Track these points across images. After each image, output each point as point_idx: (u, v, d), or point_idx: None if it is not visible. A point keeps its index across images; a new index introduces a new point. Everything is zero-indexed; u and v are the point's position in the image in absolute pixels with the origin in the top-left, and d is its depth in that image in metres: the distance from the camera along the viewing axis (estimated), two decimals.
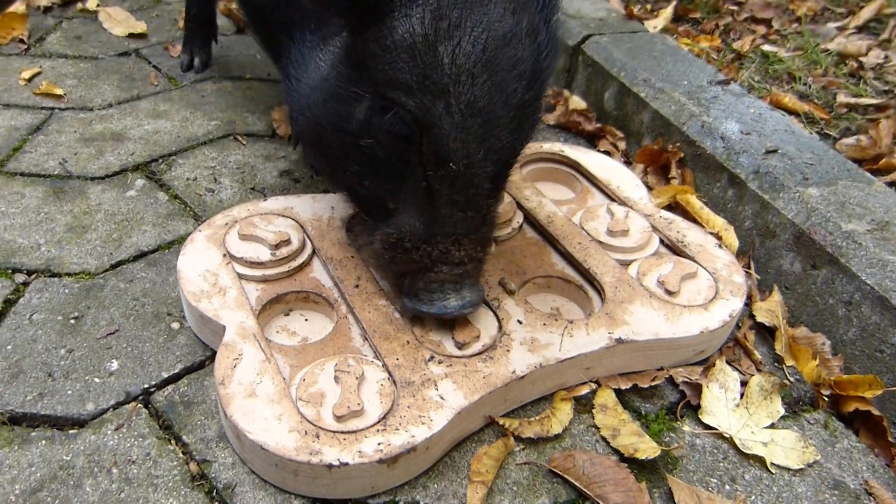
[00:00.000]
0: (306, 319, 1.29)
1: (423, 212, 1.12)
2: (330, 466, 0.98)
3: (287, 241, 1.32)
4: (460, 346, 1.17)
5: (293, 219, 1.40)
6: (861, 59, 2.41)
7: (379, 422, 1.04)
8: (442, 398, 1.08)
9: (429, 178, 1.08)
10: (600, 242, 1.42)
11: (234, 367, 1.10)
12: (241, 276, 1.27)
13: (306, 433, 1.01)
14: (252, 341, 1.14)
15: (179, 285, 1.25)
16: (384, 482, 1.04)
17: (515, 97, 1.05)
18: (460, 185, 1.08)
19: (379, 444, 1.01)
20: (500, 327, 1.23)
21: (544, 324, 1.23)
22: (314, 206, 1.45)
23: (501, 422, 1.15)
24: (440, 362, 1.14)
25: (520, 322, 1.23)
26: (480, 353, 1.17)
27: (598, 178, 1.64)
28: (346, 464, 0.98)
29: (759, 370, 1.31)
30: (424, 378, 1.11)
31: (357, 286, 1.27)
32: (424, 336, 1.20)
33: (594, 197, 1.64)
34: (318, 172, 1.77)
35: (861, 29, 2.66)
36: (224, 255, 1.31)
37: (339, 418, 1.03)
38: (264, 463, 1.02)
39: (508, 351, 1.17)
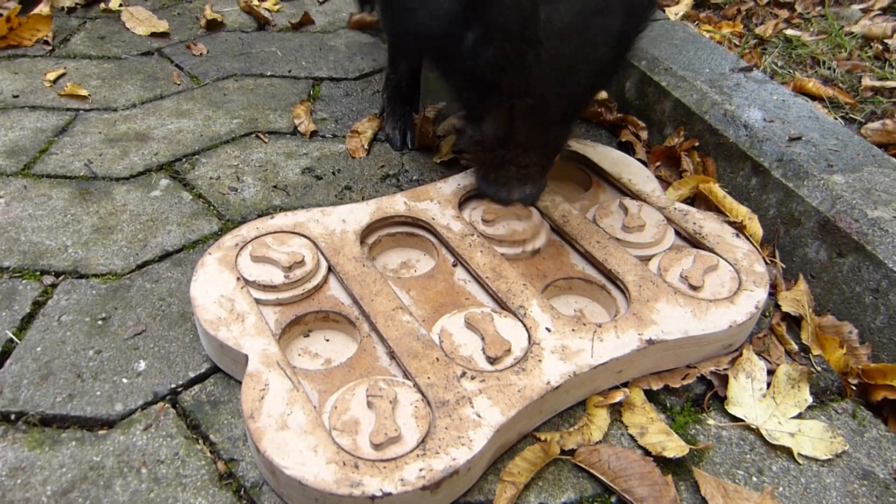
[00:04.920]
0: (327, 340, 1.27)
1: (503, 124, 1.36)
2: (373, 498, 0.94)
3: (301, 262, 1.29)
4: (492, 360, 1.14)
5: (304, 235, 1.38)
6: (886, 41, 2.37)
7: (418, 446, 1.01)
8: (479, 416, 1.05)
9: (511, 103, 1.31)
10: (617, 239, 1.41)
11: (262, 398, 1.06)
12: (257, 301, 1.25)
13: (345, 464, 0.98)
14: (277, 369, 1.11)
15: (195, 314, 1.22)
16: None
17: (597, 55, 1.24)
18: (535, 114, 1.32)
19: (420, 469, 0.97)
20: (529, 337, 1.20)
21: (573, 329, 1.20)
22: (324, 220, 1.42)
23: (542, 437, 1.13)
24: (473, 378, 1.11)
25: (548, 330, 1.20)
26: (513, 365, 1.14)
27: (608, 172, 1.63)
28: (390, 493, 0.94)
29: (792, 358, 1.30)
30: (459, 396, 1.08)
31: (377, 302, 1.24)
32: (454, 352, 1.17)
33: (605, 192, 1.63)
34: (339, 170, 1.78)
35: (886, 10, 2.62)
36: (238, 279, 1.28)
37: (376, 446, 1.00)
38: (303, 498, 0.99)
39: (540, 361, 1.15)
